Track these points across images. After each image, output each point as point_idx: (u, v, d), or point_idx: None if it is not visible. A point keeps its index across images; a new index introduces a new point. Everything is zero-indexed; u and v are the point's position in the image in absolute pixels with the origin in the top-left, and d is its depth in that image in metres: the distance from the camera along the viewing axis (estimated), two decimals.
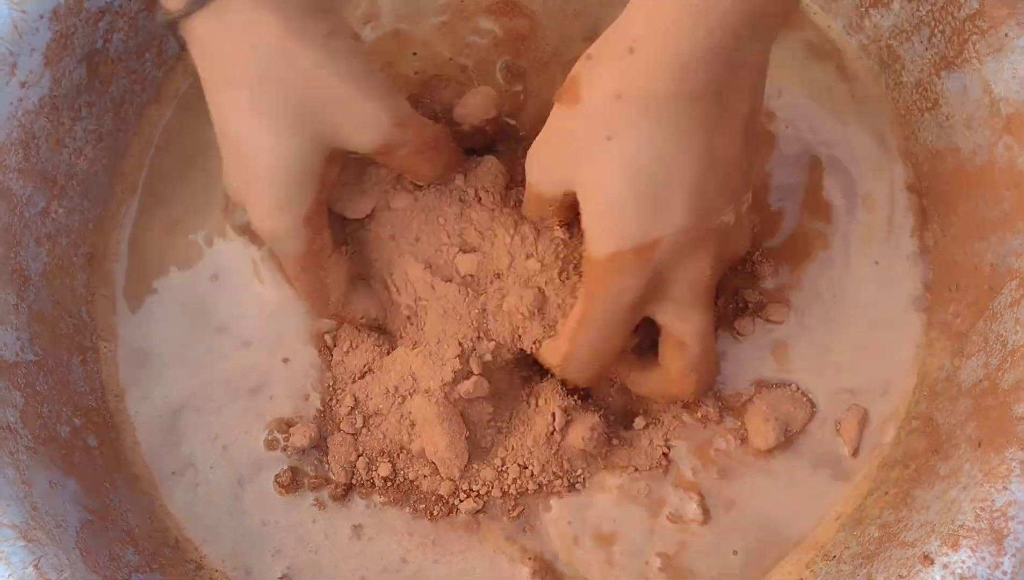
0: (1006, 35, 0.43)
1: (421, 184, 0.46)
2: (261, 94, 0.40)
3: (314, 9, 0.40)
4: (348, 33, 0.42)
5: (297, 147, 0.41)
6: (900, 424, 0.46)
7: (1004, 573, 0.37)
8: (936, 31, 0.46)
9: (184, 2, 0.39)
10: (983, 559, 0.37)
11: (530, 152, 0.42)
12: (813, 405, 0.46)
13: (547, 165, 0.41)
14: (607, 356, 0.42)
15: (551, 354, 0.43)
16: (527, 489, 0.44)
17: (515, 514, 0.45)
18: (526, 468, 0.44)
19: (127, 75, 0.48)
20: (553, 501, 0.45)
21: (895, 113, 0.49)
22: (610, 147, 0.37)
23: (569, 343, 0.42)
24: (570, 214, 0.42)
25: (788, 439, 0.45)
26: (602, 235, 0.38)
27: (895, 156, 0.49)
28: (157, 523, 0.46)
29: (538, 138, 0.41)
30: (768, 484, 0.45)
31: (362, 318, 0.46)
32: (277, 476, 0.45)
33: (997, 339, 0.42)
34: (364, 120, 0.41)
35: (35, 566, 0.38)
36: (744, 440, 0.45)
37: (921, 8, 0.46)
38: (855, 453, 0.46)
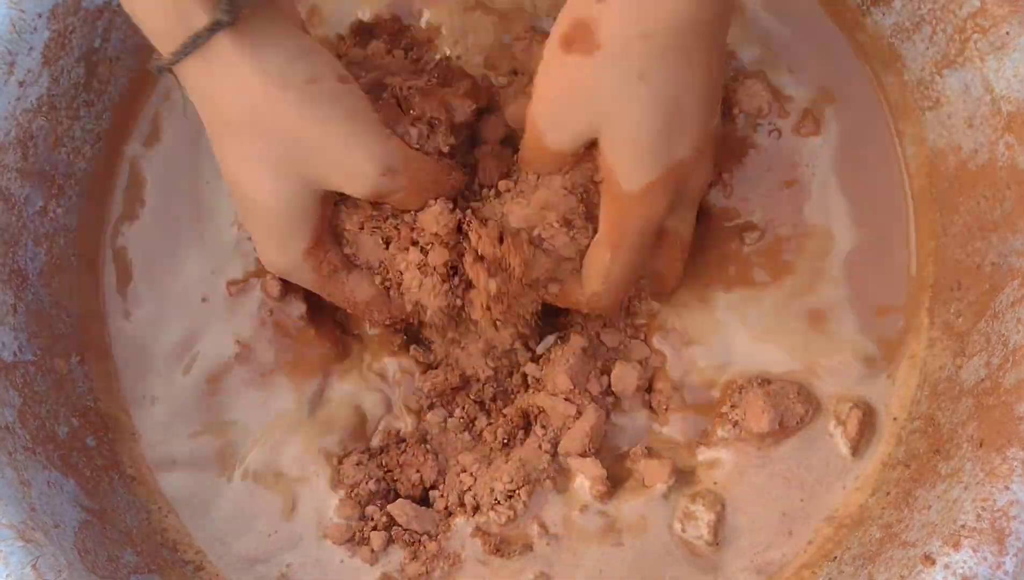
0: (1007, 33, 0.43)
1: None
2: (250, 141, 0.40)
3: (295, 55, 0.40)
4: (332, 76, 0.41)
5: (288, 191, 0.41)
6: (902, 424, 0.46)
7: (1006, 573, 0.37)
8: (937, 29, 0.46)
9: (174, 47, 0.38)
10: (985, 559, 0.37)
11: (537, 109, 0.41)
12: (814, 404, 0.46)
13: (565, 118, 0.41)
14: (634, 281, 0.44)
15: (576, 293, 0.44)
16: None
17: None
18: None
19: (125, 74, 0.48)
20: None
21: (896, 111, 0.49)
22: (641, 86, 0.38)
23: (604, 280, 0.43)
24: (571, 162, 0.42)
25: (788, 437, 0.45)
26: (635, 170, 0.40)
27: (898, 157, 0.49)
28: (155, 524, 0.45)
29: (545, 93, 0.41)
30: (769, 484, 0.45)
31: (394, 321, 0.45)
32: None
33: (999, 338, 0.42)
34: (350, 171, 0.41)
35: (33, 566, 0.38)
36: (739, 424, 0.45)
37: (922, 6, 0.46)
38: (856, 453, 0.46)
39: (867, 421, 0.46)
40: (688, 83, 0.39)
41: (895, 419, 0.46)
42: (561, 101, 0.41)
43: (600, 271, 0.43)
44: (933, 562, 0.38)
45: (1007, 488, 0.38)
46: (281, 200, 0.41)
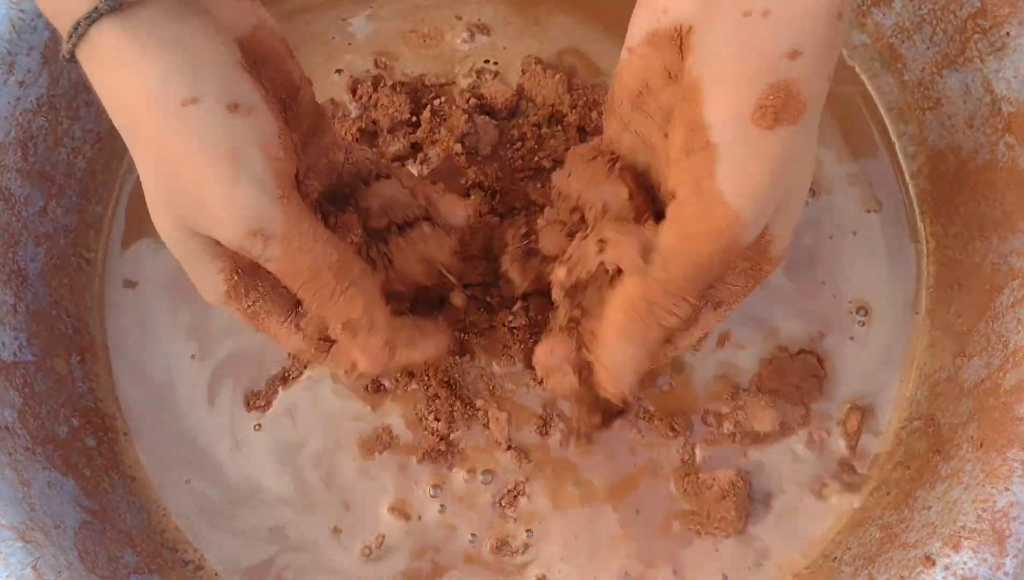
0: (1007, 34, 0.43)
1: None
2: (142, 154, 0.35)
3: (179, 63, 0.33)
4: (218, 100, 0.33)
5: (178, 224, 0.35)
6: (901, 424, 0.46)
7: (1006, 574, 0.37)
8: (938, 30, 0.46)
9: (66, 34, 0.34)
10: (985, 560, 0.37)
11: (741, 204, 0.32)
12: (814, 404, 0.46)
13: (769, 205, 0.33)
14: None
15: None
16: None
17: None
18: None
19: None
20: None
21: (896, 112, 0.49)
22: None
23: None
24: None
25: (789, 437, 0.45)
26: (786, 236, 0.35)
27: (897, 156, 0.49)
28: (155, 524, 0.45)
29: (749, 183, 0.32)
30: (766, 485, 0.45)
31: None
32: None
33: (999, 339, 0.42)
34: (214, 218, 0.34)
35: (33, 567, 0.38)
36: (740, 424, 0.45)
37: (923, 7, 0.46)
38: (856, 453, 0.46)
39: (867, 421, 0.46)
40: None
41: (895, 419, 0.46)
42: (770, 186, 0.32)
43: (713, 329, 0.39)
44: (933, 563, 0.38)
45: (1007, 489, 0.38)
46: (175, 233, 0.36)
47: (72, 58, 0.34)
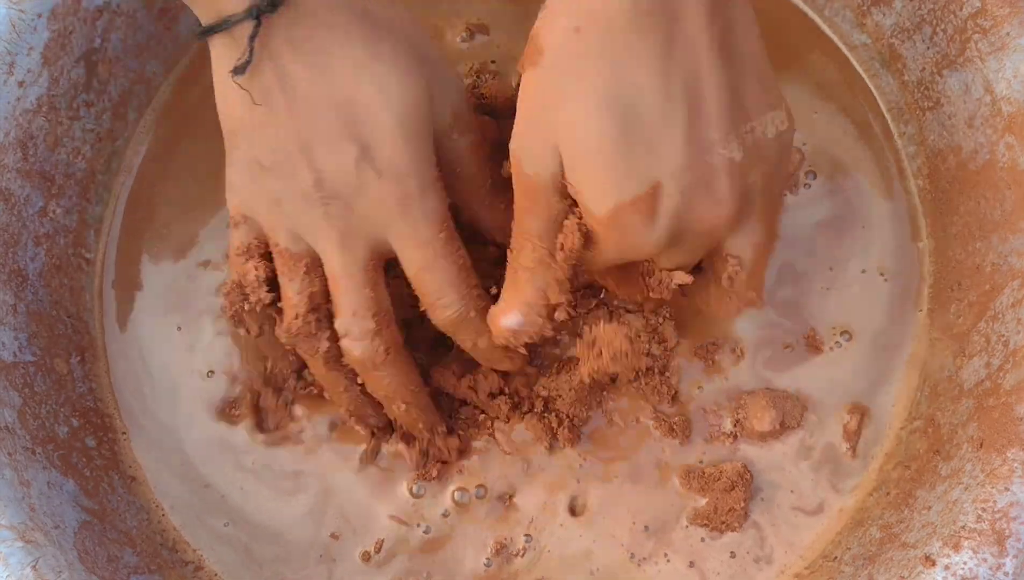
0: (1007, 34, 0.43)
1: None
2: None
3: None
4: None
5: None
6: (901, 424, 0.46)
7: (1006, 574, 0.37)
8: (938, 30, 0.46)
9: (206, 21, 0.36)
10: (985, 560, 0.37)
11: (513, 137, 0.37)
12: (814, 404, 0.46)
13: (532, 139, 0.36)
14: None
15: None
16: None
17: None
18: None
19: (125, 74, 0.48)
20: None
21: (896, 112, 0.49)
22: (581, 87, 0.34)
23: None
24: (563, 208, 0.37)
25: (788, 437, 0.45)
26: (598, 190, 0.35)
27: (897, 154, 0.49)
28: (155, 524, 0.45)
29: (517, 117, 0.36)
30: (767, 485, 0.45)
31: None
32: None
33: (999, 339, 0.42)
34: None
35: (33, 567, 0.38)
36: (740, 424, 0.45)
37: (923, 7, 0.46)
38: (855, 453, 0.46)
39: (867, 421, 0.46)
40: (643, 86, 0.33)
41: (895, 419, 0.46)
42: (524, 122, 0.36)
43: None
44: (933, 563, 0.38)
45: (1007, 489, 0.38)
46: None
47: (204, 35, 0.36)
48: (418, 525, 0.45)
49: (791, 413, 0.45)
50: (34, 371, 0.44)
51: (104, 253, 0.49)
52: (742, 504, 0.44)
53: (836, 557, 0.44)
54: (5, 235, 0.44)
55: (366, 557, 0.45)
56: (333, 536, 0.45)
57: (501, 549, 0.44)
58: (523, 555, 0.44)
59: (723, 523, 0.44)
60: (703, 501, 0.45)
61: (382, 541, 0.45)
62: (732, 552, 0.44)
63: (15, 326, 0.44)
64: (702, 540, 0.44)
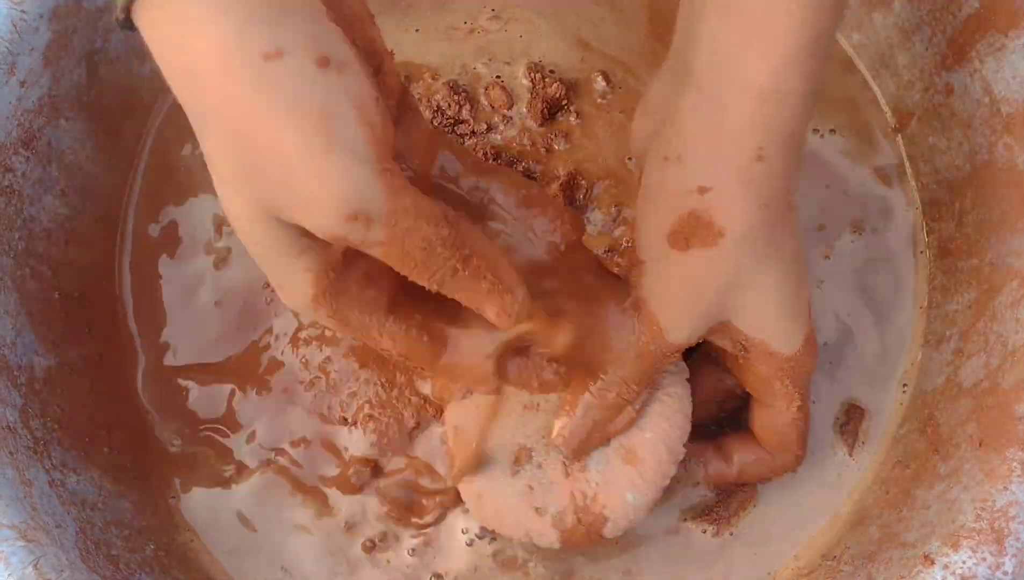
0: (1006, 35, 0.43)
1: None
2: (211, 131, 0.30)
3: (263, 11, 0.28)
4: (306, 53, 0.28)
5: (259, 215, 0.30)
6: (900, 424, 0.46)
7: (1005, 574, 0.37)
8: (937, 31, 0.46)
9: None
10: (984, 559, 0.37)
11: (658, 311, 0.37)
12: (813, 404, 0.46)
13: (692, 314, 0.37)
14: None
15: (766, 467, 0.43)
16: None
17: None
18: None
19: (126, 75, 0.48)
20: None
21: (896, 112, 0.49)
22: (771, 254, 0.36)
23: (802, 440, 0.41)
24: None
25: None
26: (789, 333, 0.38)
27: (897, 154, 0.49)
28: (157, 524, 0.46)
29: (666, 296, 0.37)
30: (767, 484, 0.45)
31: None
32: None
33: (998, 339, 0.42)
34: (305, 202, 0.29)
35: (35, 566, 0.38)
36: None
37: (922, 8, 0.46)
38: (854, 453, 0.46)
39: (865, 421, 0.46)
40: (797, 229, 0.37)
41: (894, 419, 0.46)
42: (687, 298, 0.37)
43: (799, 434, 0.41)
44: (932, 562, 0.38)
45: (1006, 489, 0.38)
46: (252, 222, 0.31)
47: (128, 22, 0.30)
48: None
49: None
50: (35, 371, 0.44)
51: (105, 252, 0.49)
52: (742, 503, 0.44)
53: (835, 556, 0.44)
54: (6, 234, 0.44)
55: (369, 545, 0.45)
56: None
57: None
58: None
59: (723, 522, 0.44)
60: (702, 500, 0.45)
61: (384, 533, 0.45)
62: (732, 551, 0.44)
63: (15, 326, 0.44)
64: (699, 543, 0.45)
